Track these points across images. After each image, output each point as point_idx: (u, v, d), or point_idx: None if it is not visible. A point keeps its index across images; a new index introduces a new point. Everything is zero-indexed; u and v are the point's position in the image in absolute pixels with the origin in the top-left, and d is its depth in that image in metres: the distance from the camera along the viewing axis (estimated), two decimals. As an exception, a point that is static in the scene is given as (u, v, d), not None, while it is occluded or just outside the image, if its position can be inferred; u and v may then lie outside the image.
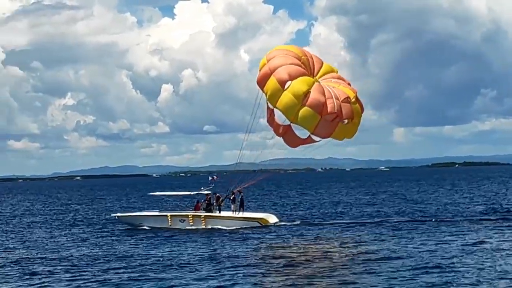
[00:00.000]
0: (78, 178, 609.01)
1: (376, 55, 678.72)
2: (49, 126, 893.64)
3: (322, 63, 51.37)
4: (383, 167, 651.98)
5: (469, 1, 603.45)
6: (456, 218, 64.83)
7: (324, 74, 50.59)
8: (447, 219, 63.50)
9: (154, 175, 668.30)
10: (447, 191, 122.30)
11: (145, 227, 61.67)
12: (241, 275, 36.84)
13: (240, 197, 60.93)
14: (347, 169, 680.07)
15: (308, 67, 49.98)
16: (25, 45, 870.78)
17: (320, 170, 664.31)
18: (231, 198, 61.27)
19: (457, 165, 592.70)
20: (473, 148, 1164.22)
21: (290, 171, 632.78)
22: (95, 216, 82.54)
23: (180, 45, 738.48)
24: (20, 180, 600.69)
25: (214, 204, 61.48)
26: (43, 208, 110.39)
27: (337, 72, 51.87)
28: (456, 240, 47.85)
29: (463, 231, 53.32)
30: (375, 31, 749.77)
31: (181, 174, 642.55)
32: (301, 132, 49.73)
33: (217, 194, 62.05)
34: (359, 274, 35.96)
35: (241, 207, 61.16)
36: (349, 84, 50.86)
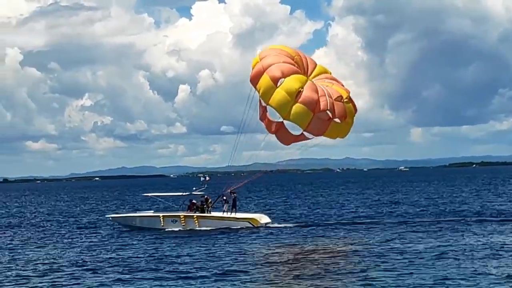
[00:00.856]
0: (97, 179, 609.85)
1: (393, 55, 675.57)
2: (67, 127, 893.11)
3: (316, 64, 51.60)
4: (402, 167, 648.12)
5: (486, 1, 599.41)
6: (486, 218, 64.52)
7: (318, 75, 50.75)
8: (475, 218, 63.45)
9: (171, 175, 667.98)
10: (476, 191, 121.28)
11: (138, 228, 62.23)
12: (226, 276, 36.94)
13: (233, 198, 61.23)
14: (364, 169, 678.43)
15: (301, 67, 50.19)
16: (43, 46, 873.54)
17: (338, 170, 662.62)
18: (224, 199, 61.64)
19: (474, 165, 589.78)
20: (490, 148, 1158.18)
21: (307, 171, 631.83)
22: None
23: (197, 46, 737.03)
24: (37, 181, 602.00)
25: (205, 205, 61.95)
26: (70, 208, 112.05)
27: (331, 74, 51.92)
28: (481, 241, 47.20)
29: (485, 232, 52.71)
30: (392, 31, 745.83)
31: (199, 175, 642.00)
32: (294, 130, 49.90)
33: (206, 196, 62.39)
34: (345, 275, 35.79)
35: (234, 208, 61.54)
36: (342, 85, 50.83)
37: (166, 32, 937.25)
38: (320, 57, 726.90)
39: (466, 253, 41.53)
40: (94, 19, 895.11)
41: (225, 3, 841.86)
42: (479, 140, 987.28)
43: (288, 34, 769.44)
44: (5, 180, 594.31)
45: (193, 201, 62.08)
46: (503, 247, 43.95)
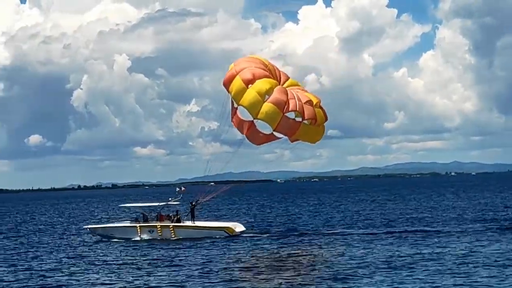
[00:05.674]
0: (212, 184, 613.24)
1: (502, 57, 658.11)
2: (174, 133, 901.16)
3: (289, 77, 53.54)
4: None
5: None
6: None
7: (289, 86, 52.26)
8: None
9: (278, 180, 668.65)
10: None
11: (116, 238, 63.56)
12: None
13: (190, 208, 63.71)
14: (472, 173, 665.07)
15: (274, 75, 52.12)
16: (150, 52, 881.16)
17: (453, 174, 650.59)
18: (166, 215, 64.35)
19: None
20: None
21: (414, 175, 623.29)
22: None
23: (303, 50, 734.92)
24: (146, 187, 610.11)
25: (177, 216, 64.08)
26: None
27: (303, 88, 53.53)
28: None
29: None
30: (500, 33, 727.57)
31: (314, 180, 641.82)
32: (265, 130, 51.44)
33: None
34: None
35: (192, 218, 63.92)
36: (314, 95, 52.02)
37: (272, 37, 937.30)
38: (428, 60, 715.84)
39: None
40: (201, 25, 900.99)
41: (331, 7, 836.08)
42: None
43: (395, 37, 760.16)
44: (114, 186, 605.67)
45: (162, 213, 64.33)
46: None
